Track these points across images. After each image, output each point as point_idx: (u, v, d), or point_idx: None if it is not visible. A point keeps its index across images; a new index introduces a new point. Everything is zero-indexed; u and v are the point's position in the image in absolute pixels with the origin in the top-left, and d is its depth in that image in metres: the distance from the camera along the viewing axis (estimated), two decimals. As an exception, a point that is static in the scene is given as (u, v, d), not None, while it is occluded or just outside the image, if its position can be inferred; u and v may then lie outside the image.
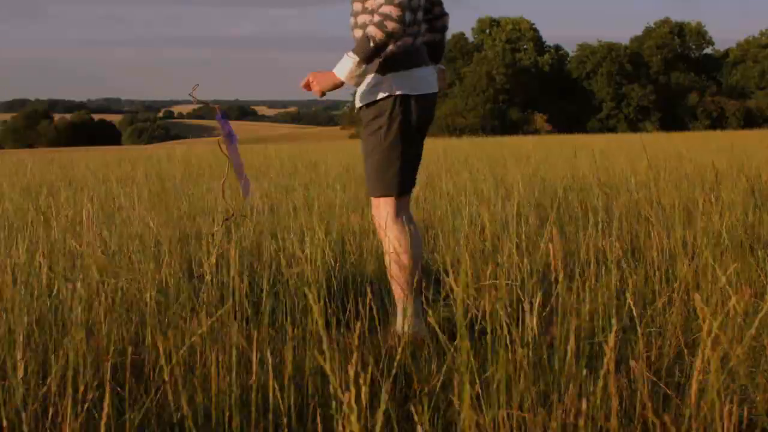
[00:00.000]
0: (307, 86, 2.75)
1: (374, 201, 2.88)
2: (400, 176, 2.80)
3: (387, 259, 2.85)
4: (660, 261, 3.33)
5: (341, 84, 2.68)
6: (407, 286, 2.82)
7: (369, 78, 2.77)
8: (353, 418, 1.34)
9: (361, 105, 2.84)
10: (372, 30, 2.57)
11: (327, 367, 1.44)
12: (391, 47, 2.69)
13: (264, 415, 2.01)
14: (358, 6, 2.80)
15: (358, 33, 2.77)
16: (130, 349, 2.28)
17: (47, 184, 8.46)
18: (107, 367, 1.93)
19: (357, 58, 2.61)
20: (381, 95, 2.75)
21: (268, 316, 2.51)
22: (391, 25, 2.56)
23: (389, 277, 2.88)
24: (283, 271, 3.09)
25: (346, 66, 2.64)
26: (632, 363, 2.07)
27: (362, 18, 2.76)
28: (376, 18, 2.57)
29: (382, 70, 2.75)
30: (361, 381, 1.43)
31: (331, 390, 1.43)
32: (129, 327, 2.68)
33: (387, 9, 2.55)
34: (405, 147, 2.79)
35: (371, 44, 2.58)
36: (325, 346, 1.47)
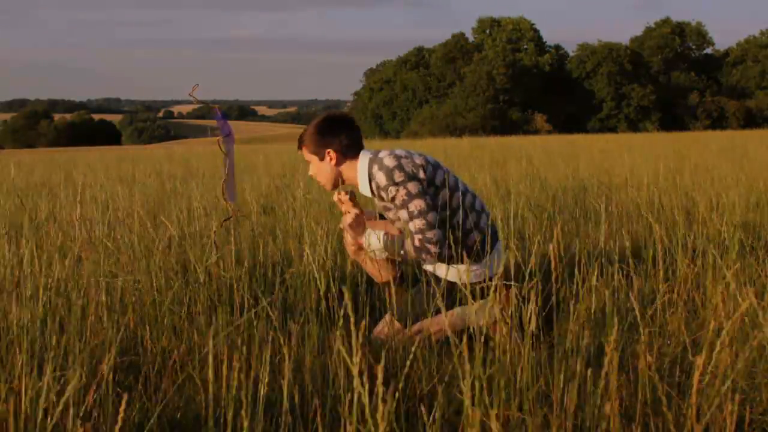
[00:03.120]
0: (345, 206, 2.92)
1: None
2: None
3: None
4: (661, 261, 3.31)
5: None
6: None
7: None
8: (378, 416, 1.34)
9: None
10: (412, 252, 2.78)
11: (353, 369, 1.43)
12: None
13: (269, 414, 1.99)
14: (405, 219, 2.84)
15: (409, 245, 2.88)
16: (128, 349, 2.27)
17: (48, 184, 8.45)
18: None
19: (386, 253, 2.86)
20: None
21: (264, 315, 2.50)
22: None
23: None
24: (283, 270, 3.08)
25: (374, 243, 2.86)
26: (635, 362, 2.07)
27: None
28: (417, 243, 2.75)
29: None
30: (360, 379, 1.42)
31: (356, 386, 1.42)
32: (128, 327, 2.67)
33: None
34: None
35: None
36: (353, 341, 1.47)
